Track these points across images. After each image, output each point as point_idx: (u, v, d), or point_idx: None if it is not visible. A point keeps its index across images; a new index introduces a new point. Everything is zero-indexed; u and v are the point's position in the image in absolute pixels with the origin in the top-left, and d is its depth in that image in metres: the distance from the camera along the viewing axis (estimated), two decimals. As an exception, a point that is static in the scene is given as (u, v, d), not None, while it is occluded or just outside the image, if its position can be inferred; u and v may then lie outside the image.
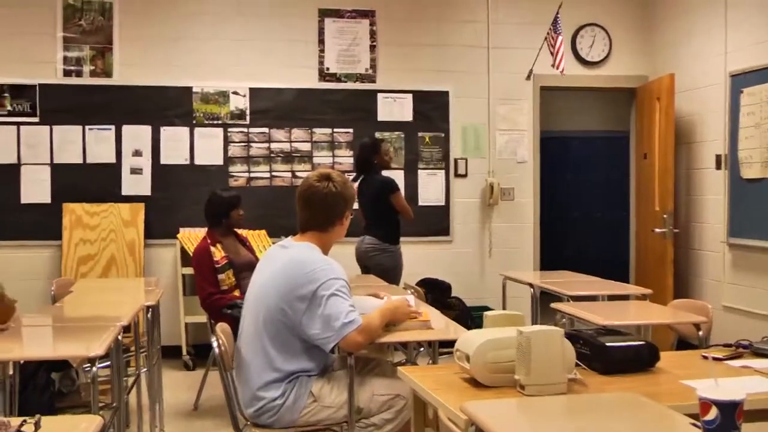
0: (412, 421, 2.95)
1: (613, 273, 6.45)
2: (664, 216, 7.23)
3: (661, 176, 7.34)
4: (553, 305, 4.67)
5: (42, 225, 7.08)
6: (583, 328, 3.55)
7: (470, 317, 6.70)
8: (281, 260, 3.44)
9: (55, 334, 4.04)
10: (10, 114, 7.04)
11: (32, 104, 7.12)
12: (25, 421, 1.94)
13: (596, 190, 10.67)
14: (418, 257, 7.30)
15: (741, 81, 6.43)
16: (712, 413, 1.86)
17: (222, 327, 3.52)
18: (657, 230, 7.31)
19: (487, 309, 6.86)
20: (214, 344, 3.38)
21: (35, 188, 7.13)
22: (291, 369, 3.36)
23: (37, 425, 1.93)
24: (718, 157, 6.84)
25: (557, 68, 7.12)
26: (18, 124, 7.09)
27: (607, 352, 2.78)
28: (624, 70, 7.98)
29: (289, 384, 3.35)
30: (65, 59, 7.21)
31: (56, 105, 7.15)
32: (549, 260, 8.03)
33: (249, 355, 3.42)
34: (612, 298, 5.26)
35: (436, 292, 5.95)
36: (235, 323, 5.28)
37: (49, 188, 7.14)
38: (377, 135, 7.39)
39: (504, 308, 6.38)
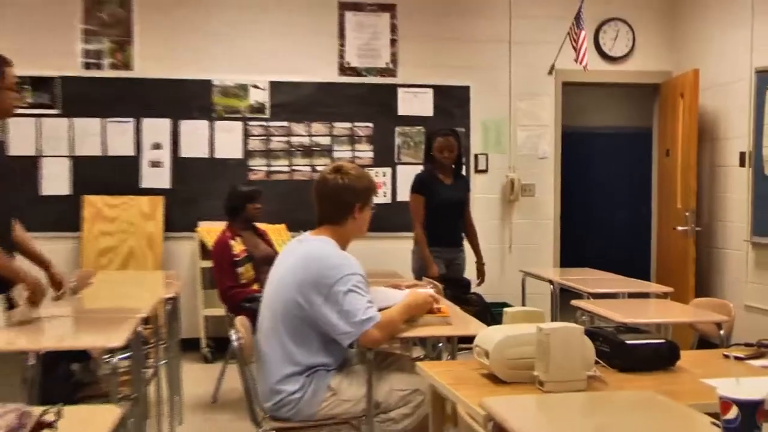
0: (431, 416, 2.95)
1: (634, 271, 6.43)
2: (687, 214, 7.18)
3: (684, 173, 7.29)
4: (573, 302, 4.68)
5: (62, 217, 7.14)
6: (603, 325, 3.60)
7: (490, 313, 6.67)
8: (298, 255, 3.44)
9: (75, 325, 4.06)
10: (31, 106, 7.09)
11: (52, 97, 7.19)
12: (46, 410, 1.95)
13: (618, 186, 10.63)
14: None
15: (767, 78, 6.36)
16: (733, 412, 1.85)
17: (241, 320, 3.53)
18: (679, 228, 7.26)
19: (507, 305, 6.81)
20: (233, 337, 3.39)
21: (55, 180, 7.20)
22: (309, 363, 3.36)
23: (58, 415, 1.94)
24: (742, 155, 6.78)
25: (580, 63, 7.07)
26: (38, 116, 7.16)
27: (627, 350, 2.78)
28: (647, 65, 7.93)
29: (308, 378, 3.35)
30: (85, 52, 7.26)
31: (76, 97, 7.21)
32: (569, 257, 8.02)
33: (267, 349, 3.42)
34: (633, 295, 5.25)
35: (455, 288, 5.91)
36: (253, 317, 5.30)
37: (68, 180, 7.22)
38: (397, 129, 7.41)
39: (524, 305, 6.38)
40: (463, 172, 6.70)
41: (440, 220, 6.09)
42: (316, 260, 3.35)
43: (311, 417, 3.38)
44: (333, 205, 3.50)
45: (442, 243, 6.09)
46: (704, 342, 4.54)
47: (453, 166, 6.20)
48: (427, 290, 3.75)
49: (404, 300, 3.51)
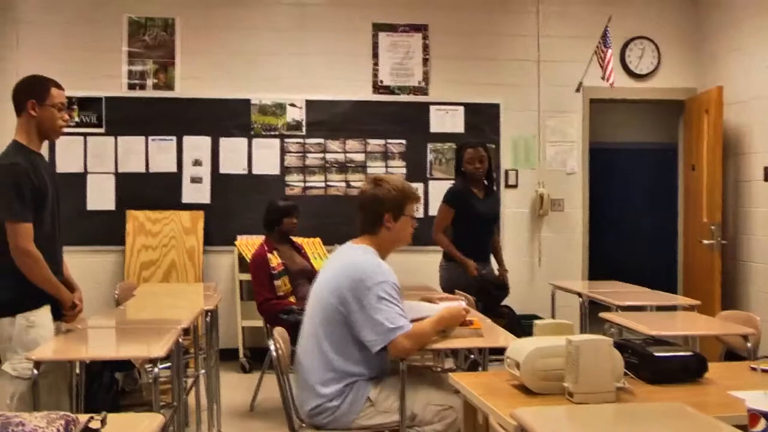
0: (462, 427, 3.00)
1: (661, 284, 6.40)
2: (712, 227, 7.21)
3: (709, 188, 7.32)
4: (602, 315, 4.68)
5: (106, 231, 7.27)
6: (632, 337, 3.55)
7: (520, 326, 6.66)
8: (339, 262, 3.55)
9: (118, 336, 4.16)
10: (78, 125, 7.24)
11: (98, 116, 7.35)
12: (92, 417, 1.98)
13: (644, 201, 10.60)
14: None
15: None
16: (761, 425, 1.86)
17: (280, 331, 3.60)
18: (705, 242, 7.27)
19: (537, 318, 6.89)
20: (272, 348, 3.45)
21: (100, 196, 7.33)
22: (348, 370, 3.41)
23: (103, 422, 1.98)
24: (766, 169, 6.82)
25: (607, 81, 7.14)
26: (85, 134, 7.32)
27: (656, 362, 2.78)
28: (672, 82, 7.98)
29: (347, 387, 3.41)
30: (130, 73, 7.43)
31: (121, 117, 7.36)
32: (597, 270, 8.00)
33: (308, 355, 3.48)
34: (660, 308, 5.25)
35: (487, 300, 5.89)
36: (290, 328, 5.44)
37: (113, 196, 7.34)
38: (430, 145, 7.59)
39: (553, 317, 6.38)
40: (494, 187, 6.60)
41: (473, 235, 6.02)
42: (353, 267, 3.44)
43: (347, 425, 3.43)
44: (366, 214, 3.60)
45: (473, 257, 5.95)
46: (731, 354, 4.52)
47: (485, 181, 6.09)
48: (459, 303, 3.80)
49: (438, 313, 3.56)
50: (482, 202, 6.06)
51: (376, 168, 7.57)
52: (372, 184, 3.62)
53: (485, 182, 6.10)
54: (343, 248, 3.66)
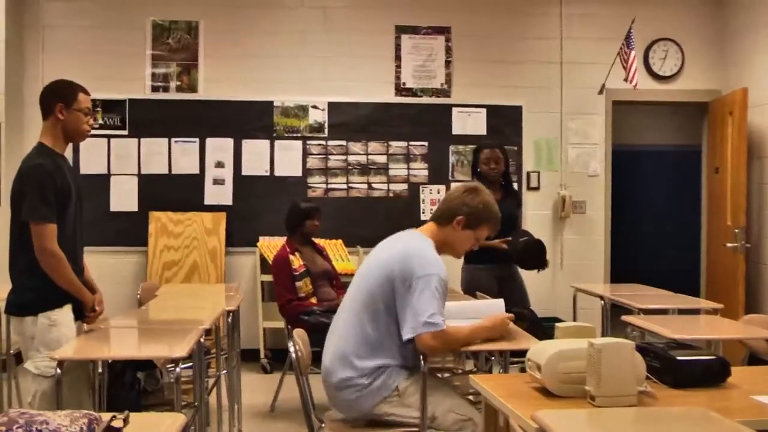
0: (484, 429, 2.99)
1: (683, 287, 6.32)
2: (736, 231, 7.17)
3: (733, 191, 7.29)
4: (624, 318, 4.67)
5: (129, 232, 7.33)
6: (654, 341, 3.54)
7: (541, 328, 6.65)
8: (397, 244, 3.59)
9: (141, 336, 4.18)
10: (102, 127, 7.30)
11: (122, 118, 7.41)
12: (114, 416, 2.01)
13: (667, 203, 10.57)
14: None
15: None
16: None
17: (299, 333, 3.61)
18: (728, 245, 7.24)
19: (558, 320, 6.87)
20: (291, 349, 3.46)
21: (124, 197, 7.39)
22: (384, 351, 3.44)
23: (125, 421, 2.01)
24: (791, 173, 6.80)
25: (630, 83, 7.13)
26: (109, 136, 7.38)
27: (678, 366, 2.76)
28: (696, 84, 7.95)
29: (381, 369, 3.42)
30: (153, 75, 7.49)
31: (144, 119, 7.43)
32: (619, 273, 7.99)
33: (346, 325, 3.50)
34: (683, 311, 5.21)
35: (508, 303, 5.83)
36: (311, 329, 5.46)
37: (136, 197, 7.40)
38: (452, 147, 7.59)
39: (575, 320, 6.37)
40: (515, 187, 6.58)
41: (489, 238, 5.98)
42: (408, 252, 3.47)
43: (370, 409, 3.44)
44: (445, 207, 3.66)
45: (492, 260, 5.80)
46: (755, 359, 4.49)
47: (502, 182, 6.01)
48: (503, 313, 3.72)
49: (479, 323, 3.56)
50: (499, 204, 5.95)
51: (398, 170, 7.61)
52: (469, 189, 3.69)
53: (502, 183, 6.04)
54: (405, 232, 3.70)
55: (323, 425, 3.52)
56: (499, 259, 5.89)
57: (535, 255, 5.89)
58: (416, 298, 3.34)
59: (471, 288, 5.74)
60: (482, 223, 3.66)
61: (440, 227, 3.64)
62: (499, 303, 3.90)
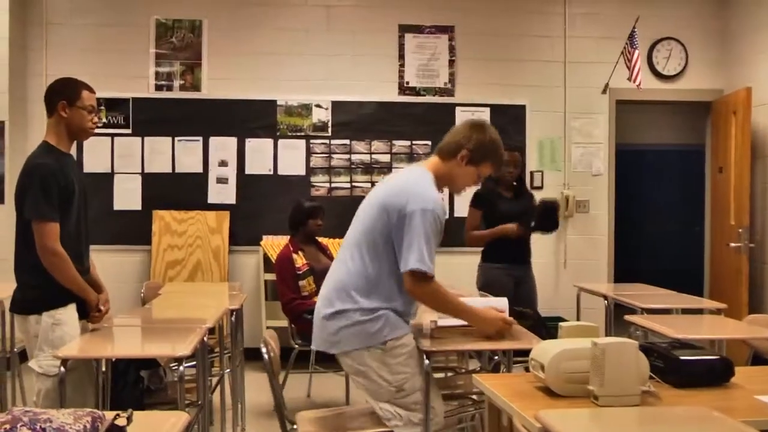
0: (487, 429, 2.98)
1: (687, 287, 6.31)
2: (740, 230, 7.18)
3: (737, 190, 7.29)
4: (627, 317, 4.66)
5: (133, 231, 7.35)
6: (657, 340, 3.55)
7: (545, 327, 6.65)
8: (396, 179, 3.55)
9: (144, 335, 4.20)
10: (106, 126, 7.32)
11: (125, 117, 7.43)
12: (118, 414, 2.00)
13: (671, 203, 10.57)
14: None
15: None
16: None
17: (270, 334, 3.57)
18: (732, 244, 7.24)
19: (562, 320, 6.85)
20: (263, 350, 3.39)
21: (127, 196, 7.41)
22: (382, 289, 3.37)
23: (129, 419, 2.01)
24: (795, 172, 6.79)
25: (634, 82, 7.13)
26: (112, 135, 7.41)
27: (681, 366, 2.75)
28: (700, 83, 7.95)
29: (377, 315, 3.37)
30: (157, 74, 7.51)
31: (148, 117, 7.45)
32: (623, 272, 7.99)
33: (345, 261, 3.46)
34: (686, 311, 5.20)
35: (520, 302, 5.84)
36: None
37: (140, 196, 7.42)
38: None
39: (578, 319, 6.37)
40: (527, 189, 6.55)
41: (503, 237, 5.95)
42: (405, 185, 3.43)
43: (350, 348, 3.38)
44: (450, 140, 3.57)
45: (509, 259, 5.97)
46: (758, 358, 4.48)
47: (515, 183, 6.10)
48: (504, 309, 3.70)
49: (478, 309, 3.54)
50: (510, 201, 6.06)
51: (401, 169, 7.54)
52: (476, 125, 3.62)
53: (515, 184, 6.11)
54: (405, 168, 3.65)
55: (295, 426, 3.50)
56: (514, 259, 6.00)
57: (552, 215, 5.97)
58: (408, 234, 3.30)
59: (487, 286, 5.79)
60: (486, 160, 3.55)
61: (444, 161, 3.55)
62: (503, 301, 3.88)
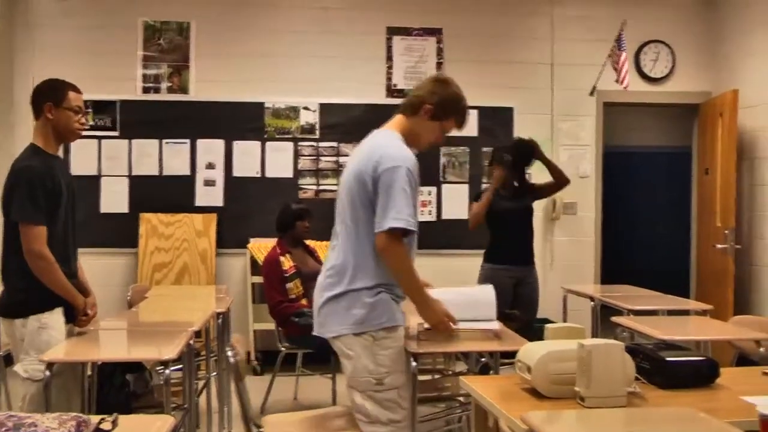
0: (474, 430, 2.98)
1: (673, 288, 6.37)
2: (726, 232, 7.20)
3: (723, 192, 7.31)
4: (614, 319, 4.69)
5: (120, 233, 7.32)
6: (644, 342, 3.54)
7: (531, 329, 6.69)
8: (364, 147, 3.48)
9: (130, 338, 4.19)
10: (93, 128, 7.27)
11: (113, 119, 7.41)
12: (103, 419, 1.99)
13: (658, 205, 10.61)
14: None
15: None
16: None
17: (237, 338, 3.60)
18: (718, 246, 7.27)
19: (548, 321, 6.87)
20: (230, 354, 3.36)
21: (114, 198, 7.38)
22: (377, 260, 3.31)
23: (114, 423, 2.00)
24: (781, 174, 6.81)
25: (621, 84, 7.16)
26: (99, 137, 7.37)
27: (667, 367, 2.76)
28: (687, 86, 7.98)
29: (376, 289, 3.33)
30: (144, 77, 7.49)
31: (135, 120, 7.42)
32: (610, 274, 8.02)
33: (336, 241, 3.45)
34: (672, 313, 5.22)
35: (520, 304, 5.85)
36: (302, 331, 5.47)
37: (127, 198, 7.40)
38: (443, 149, 7.58)
39: (565, 321, 6.38)
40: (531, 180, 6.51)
41: (503, 234, 5.98)
42: (375, 149, 3.37)
43: (338, 328, 3.33)
44: (413, 95, 3.54)
45: (510, 260, 5.95)
46: (744, 359, 4.52)
47: (516, 184, 6.09)
48: (449, 313, 3.56)
49: (429, 296, 3.46)
50: (507, 197, 6.01)
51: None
52: (439, 79, 3.59)
53: (516, 184, 6.12)
54: (371, 134, 3.57)
55: (262, 429, 3.48)
56: (515, 259, 5.98)
57: (526, 151, 5.99)
58: (383, 195, 3.26)
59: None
60: (449, 115, 3.52)
61: (407, 117, 3.51)
62: (488, 288, 3.89)
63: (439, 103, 3.48)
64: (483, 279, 5.93)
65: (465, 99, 3.59)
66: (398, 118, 3.55)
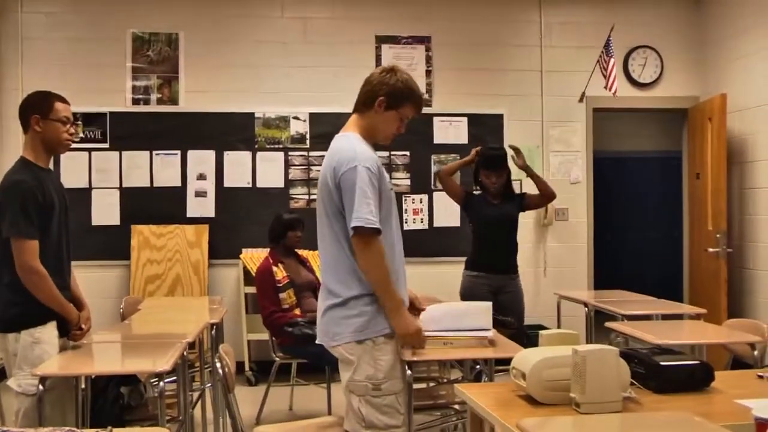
0: None
1: (666, 292, 6.41)
2: (718, 235, 7.21)
3: (714, 196, 7.33)
4: (608, 324, 4.68)
5: (111, 246, 7.30)
6: (638, 347, 3.56)
7: (525, 336, 6.68)
8: (329, 150, 3.44)
9: (124, 350, 4.20)
10: (83, 140, 7.27)
11: (103, 131, 7.39)
12: None
13: (649, 209, 10.64)
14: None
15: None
16: None
17: (225, 348, 3.54)
18: (710, 250, 7.28)
19: (542, 328, 6.90)
20: (218, 365, 3.36)
21: (105, 210, 7.37)
22: (356, 275, 3.28)
23: None
24: (771, 177, 6.82)
25: (610, 90, 7.19)
26: (89, 150, 7.36)
27: (662, 371, 2.77)
28: (676, 90, 8.01)
29: (363, 306, 3.30)
30: (134, 88, 7.47)
31: (125, 132, 7.41)
32: (603, 279, 8.02)
33: (322, 252, 3.42)
34: (666, 317, 5.23)
35: (500, 313, 5.80)
36: (295, 341, 5.46)
37: (118, 210, 7.38)
38: (434, 156, 7.56)
39: (559, 327, 6.39)
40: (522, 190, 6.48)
41: (485, 242, 5.84)
42: (333, 154, 3.34)
43: (339, 339, 3.31)
44: (364, 91, 3.47)
45: (489, 268, 5.79)
46: (738, 363, 4.51)
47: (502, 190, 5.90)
48: (419, 327, 3.47)
49: (402, 306, 3.38)
50: (494, 206, 5.87)
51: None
52: (386, 69, 3.52)
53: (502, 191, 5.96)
54: (333, 139, 3.52)
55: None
56: (495, 268, 5.84)
57: (493, 157, 5.86)
58: (346, 199, 3.23)
59: (466, 295, 5.72)
60: (404, 102, 3.44)
61: (363, 114, 3.46)
62: (486, 305, 3.86)
63: (390, 93, 3.42)
64: (461, 286, 5.88)
65: (415, 83, 3.54)
66: (354, 118, 3.51)
